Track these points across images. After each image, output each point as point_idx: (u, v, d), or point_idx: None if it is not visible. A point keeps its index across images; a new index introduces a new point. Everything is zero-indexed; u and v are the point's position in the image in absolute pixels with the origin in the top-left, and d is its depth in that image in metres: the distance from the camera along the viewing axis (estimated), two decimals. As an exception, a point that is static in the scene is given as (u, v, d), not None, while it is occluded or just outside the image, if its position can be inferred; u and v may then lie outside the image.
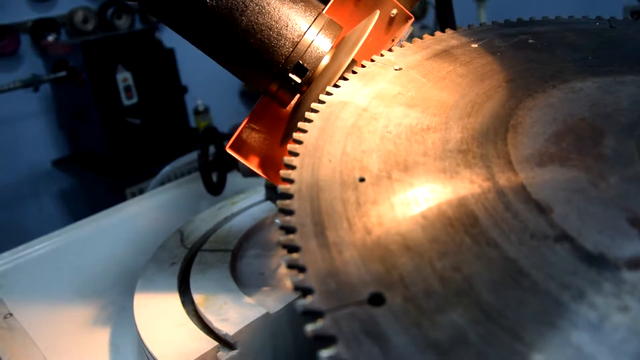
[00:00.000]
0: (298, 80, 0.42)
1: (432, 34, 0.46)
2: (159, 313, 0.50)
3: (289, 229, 0.27)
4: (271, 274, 0.57)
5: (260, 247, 0.63)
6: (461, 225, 0.27)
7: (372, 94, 0.38)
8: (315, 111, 0.37)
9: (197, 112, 2.59)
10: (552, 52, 0.42)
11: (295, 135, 0.34)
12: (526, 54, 0.42)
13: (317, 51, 0.42)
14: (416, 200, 0.29)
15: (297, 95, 0.45)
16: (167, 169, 1.33)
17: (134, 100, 2.12)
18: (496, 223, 0.27)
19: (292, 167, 0.32)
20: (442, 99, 0.37)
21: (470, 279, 0.24)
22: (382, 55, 0.43)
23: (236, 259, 0.60)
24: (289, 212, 0.28)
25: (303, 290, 0.24)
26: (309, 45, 0.42)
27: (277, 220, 0.28)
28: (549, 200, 0.28)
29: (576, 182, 0.29)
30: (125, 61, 2.08)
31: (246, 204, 0.72)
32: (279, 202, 0.29)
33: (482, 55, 0.42)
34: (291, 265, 0.25)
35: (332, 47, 0.43)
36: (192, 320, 0.48)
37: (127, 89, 2.10)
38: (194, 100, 2.52)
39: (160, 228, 0.78)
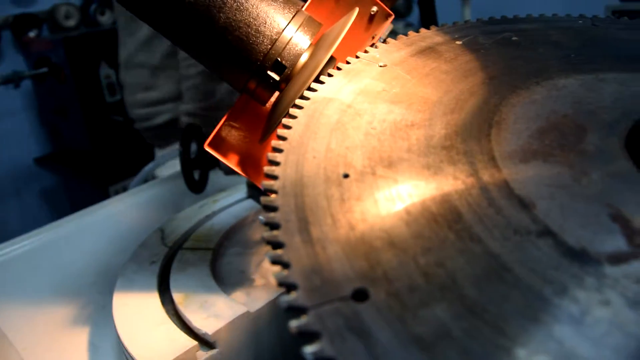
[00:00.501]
0: (276, 77, 0.42)
1: (416, 32, 0.46)
2: (138, 312, 0.49)
3: (273, 225, 0.27)
4: (252, 272, 0.56)
5: (242, 245, 0.62)
6: (445, 221, 0.27)
7: (357, 91, 0.38)
8: (300, 107, 0.37)
9: None
10: (535, 50, 0.43)
11: (279, 131, 0.34)
12: (510, 52, 0.43)
13: (296, 48, 0.42)
14: (400, 196, 0.29)
15: (276, 93, 0.45)
16: (149, 166, 1.32)
17: (117, 97, 2.10)
18: (480, 219, 0.27)
19: (276, 164, 0.32)
20: (426, 95, 0.38)
21: (454, 274, 0.24)
22: (366, 52, 0.43)
23: (217, 258, 0.60)
24: (273, 209, 0.28)
25: (287, 286, 0.24)
26: (288, 43, 0.42)
27: (261, 217, 0.28)
28: (532, 196, 0.28)
29: (559, 178, 0.30)
30: (109, 58, 2.06)
31: (228, 202, 0.72)
32: (262, 198, 0.29)
33: (466, 52, 0.43)
34: (275, 261, 0.25)
35: (311, 44, 0.43)
36: (172, 320, 0.48)
37: (110, 85, 2.08)
38: None
39: (141, 226, 0.77)
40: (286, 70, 0.42)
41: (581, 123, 0.34)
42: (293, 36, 0.42)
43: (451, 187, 0.30)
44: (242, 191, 0.75)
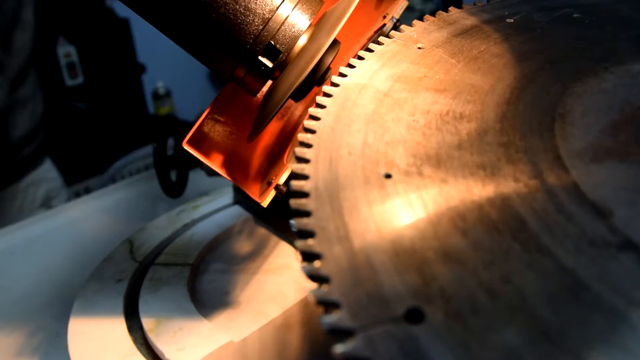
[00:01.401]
0: (269, 64, 0.41)
1: (434, 9, 0.46)
2: (99, 341, 0.48)
3: (306, 233, 0.27)
4: (238, 294, 0.56)
5: (226, 261, 0.62)
6: (508, 230, 0.28)
7: (394, 77, 0.38)
8: (329, 95, 0.37)
9: (156, 96, 2.56)
10: (602, 29, 0.43)
11: (307, 123, 0.35)
12: (571, 31, 0.43)
13: (293, 30, 0.41)
14: (453, 200, 0.29)
15: (269, 82, 0.44)
16: (117, 164, 1.32)
17: (79, 80, 2.08)
18: (548, 227, 0.28)
19: (306, 161, 0.32)
20: (476, 82, 0.38)
21: (523, 292, 0.25)
22: (401, 30, 0.44)
23: (196, 275, 0.59)
24: (306, 214, 0.28)
25: (327, 305, 0.24)
26: (283, 23, 0.40)
27: (292, 222, 0.28)
28: (608, 201, 0.29)
29: (639, 181, 0.30)
30: (69, 32, 2.04)
31: (210, 208, 0.71)
32: (292, 201, 0.29)
33: (519, 32, 0.43)
34: (312, 276, 0.25)
35: (310, 24, 0.42)
36: (140, 351, 0.47)
37: (71, 66, 2.05)
38: (153, 81, 2.48)
39: (106, 236, 0.75)
40: (281, 55, 0.41)
41: (660, 116, 0.34)
42: (289, 15, 0.41)
43: (512, 190, 0.30)
44: (227, 196, 0.74)
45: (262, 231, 0.67)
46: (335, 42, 0.42)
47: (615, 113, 0.35)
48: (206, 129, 0.46)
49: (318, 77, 0.41)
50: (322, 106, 0.36)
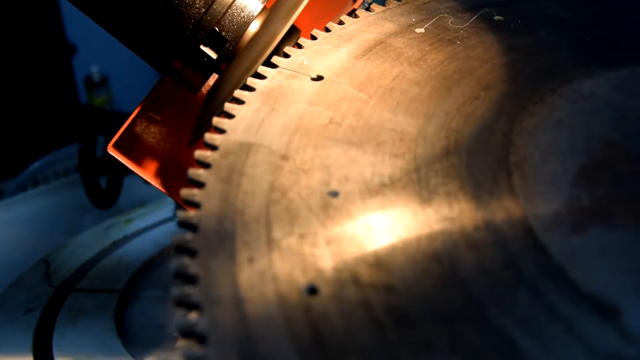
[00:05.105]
0: (213, 55, 0.41)
1: None
2: None
3: None
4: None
5: (162, 288, 0.61)
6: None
7: (290, 127, 0.33)
8: (205, 165, 0.30)
9: (90, 83, 2.46)
10: (533, 34, 0.41)
11: (182, 215, 0.28)
12: (498, 40, 0.40)
13: (242, 14, 0.41)
14: (410, 322, 0.24)
15: (214, 76, 0.43)
16: (35, 165, 1.23)
17: None
18: (545, 345, 0.23)
19: (190, 280, 0.25)
20: (399, 126, 0.33)
21: None
22: (287, 55, 0.38)
23: (126, 305, 0.58)
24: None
25: None
26: (230, 5, 0.40)
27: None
28: (608, 293, 0.25)
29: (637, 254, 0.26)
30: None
31: (146, 222, 0.72)
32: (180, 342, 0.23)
33: (436, 47, 0.39)
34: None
35: (264, 8, 0.42)
36: None
37: None
38: (87, 66, 2.36)
39: (16, 255, 0.72)
40: (227, 44, 0.41)
41: (636, 152, 0.31)
42: None
43: (483, 290, 0.25)
44: (168, 207, 0.74)
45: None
46: (293, 29, 0.41)
47: (581, 155, 0.31)
48: (138, 129, 0.46)
49: None
50: (199, 183, 0.30)
